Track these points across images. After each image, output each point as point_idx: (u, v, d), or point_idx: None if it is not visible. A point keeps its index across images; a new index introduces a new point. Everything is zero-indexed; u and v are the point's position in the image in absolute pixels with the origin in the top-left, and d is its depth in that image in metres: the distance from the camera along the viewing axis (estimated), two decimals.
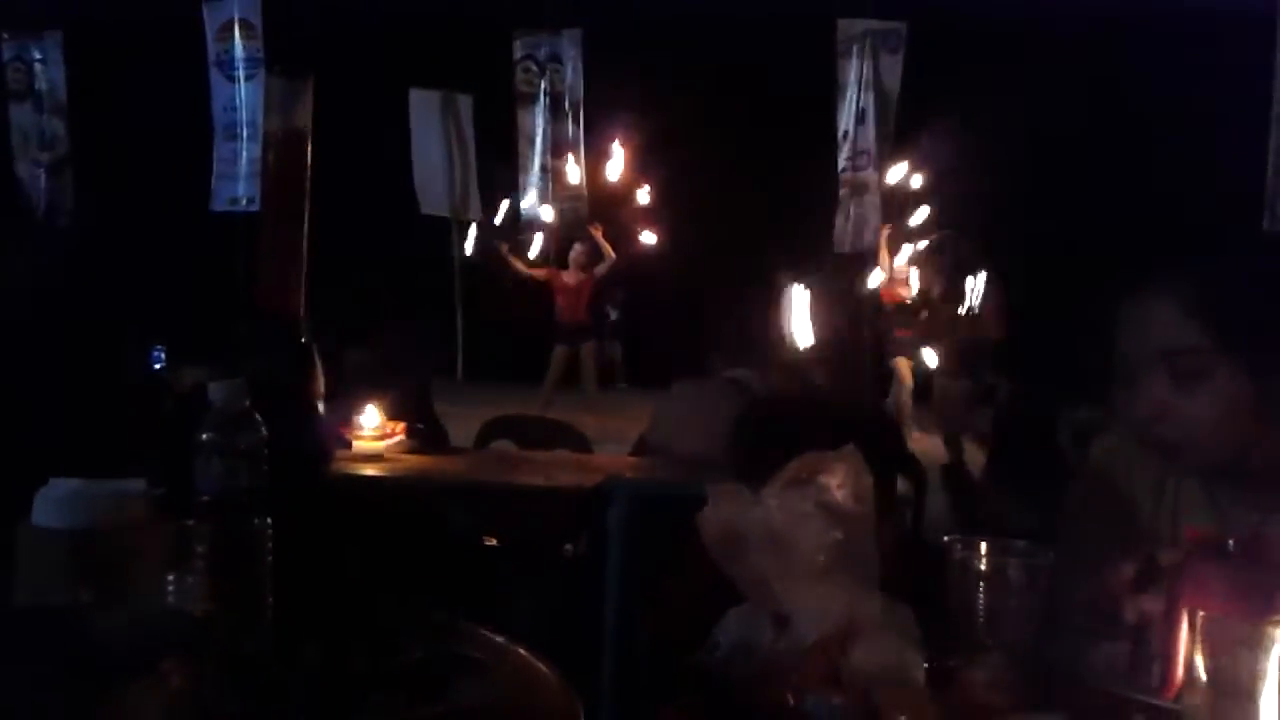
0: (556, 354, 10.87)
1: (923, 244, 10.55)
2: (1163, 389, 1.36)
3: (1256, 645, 0.95)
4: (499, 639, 1.31)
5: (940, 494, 3.83)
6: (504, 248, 10.93)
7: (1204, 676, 0.97)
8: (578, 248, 10.74)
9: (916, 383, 11.41)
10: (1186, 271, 1.39)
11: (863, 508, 1.18)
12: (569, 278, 10.69)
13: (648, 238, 10.95)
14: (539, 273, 10.70)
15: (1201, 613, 0.97)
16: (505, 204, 10.94)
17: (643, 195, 10.74)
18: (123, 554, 1.16)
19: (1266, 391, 1.35)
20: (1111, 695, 1.13)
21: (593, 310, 11.11)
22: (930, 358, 10.53)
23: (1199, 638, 0.97)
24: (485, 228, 11.09)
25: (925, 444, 8.94)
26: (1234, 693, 0.95)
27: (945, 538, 1.26)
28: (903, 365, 11.15)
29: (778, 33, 11.76)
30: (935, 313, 10.13)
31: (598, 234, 10.53)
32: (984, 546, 1.23)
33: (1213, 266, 1.41)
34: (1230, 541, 0.97)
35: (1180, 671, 1.00)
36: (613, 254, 10.63)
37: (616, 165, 10.55)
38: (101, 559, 1.15)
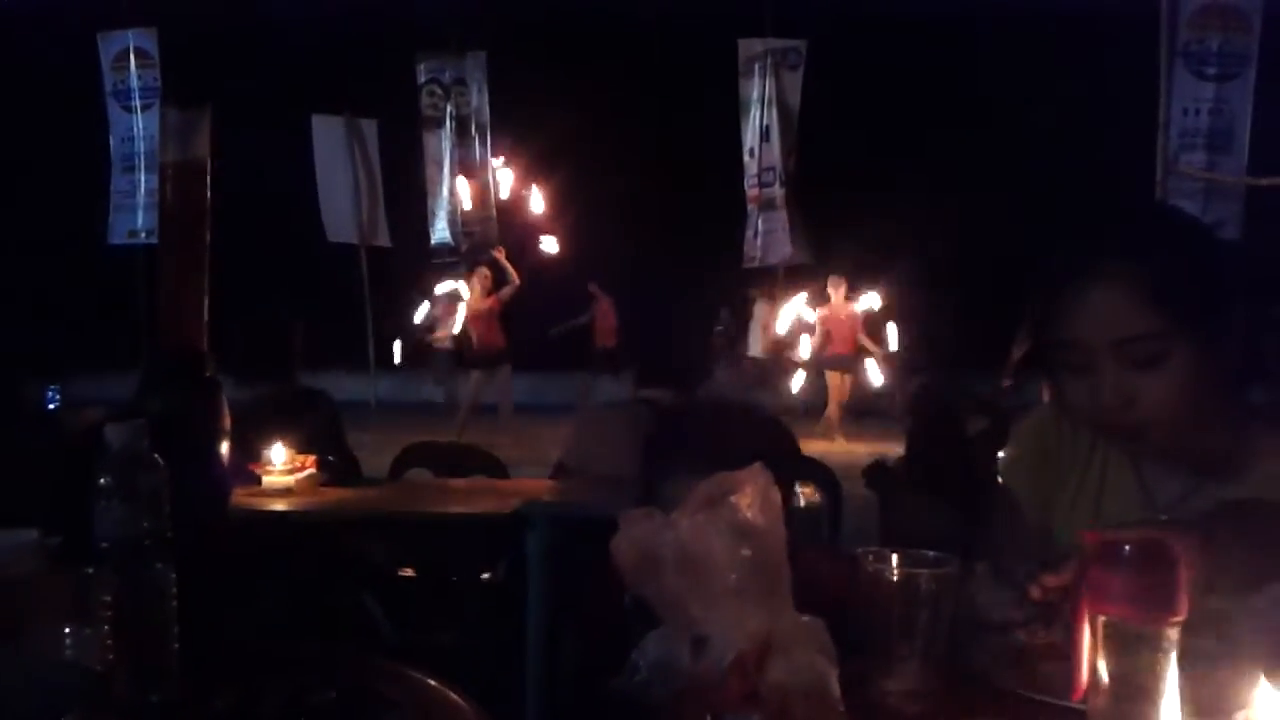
0: (472, 378, 10.76)
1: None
2: (1125, 374, 1.38)
3: (1156, 647, 0.97)
4: (414, 674, 1.29)
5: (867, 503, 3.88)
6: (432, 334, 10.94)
7: (1107, 679, 0.99)
8: (482, 272, 10.59)
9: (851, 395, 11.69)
10: (1138, 256, 1.40)
11: (773, 524, 1.19)
12: (480, 302, 10.57)
13: (548, 246, 10.92)
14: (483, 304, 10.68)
15: (1102, 617, 1.00)
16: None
17: (543, 217, 10.73)
18: (16, 608, 1.12)
19: (1213, 372, 1.38)
20: (1023, 699, 1.16)
21: (505, 333, 10.98)
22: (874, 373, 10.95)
23: (1101, 641, 1.00)
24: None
25: (854, 453, 9.08)
26: (1136, 694, 0.98)
27: (858, 550, 1.27)
28: (835, 379, 11.40)
29: (681, 53, 11.88)
30: None
31: (500, 256, 10.42)
32: (895, 558, 1.24)
33: (1161, 250, 1.41)
34: (1127, 546, 1.00)
35: (1085, 674, 1.02)
36: (516, 278, 10.49)
37: (521, 186, 10.55)
38: None
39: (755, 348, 12.57)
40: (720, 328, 12.83)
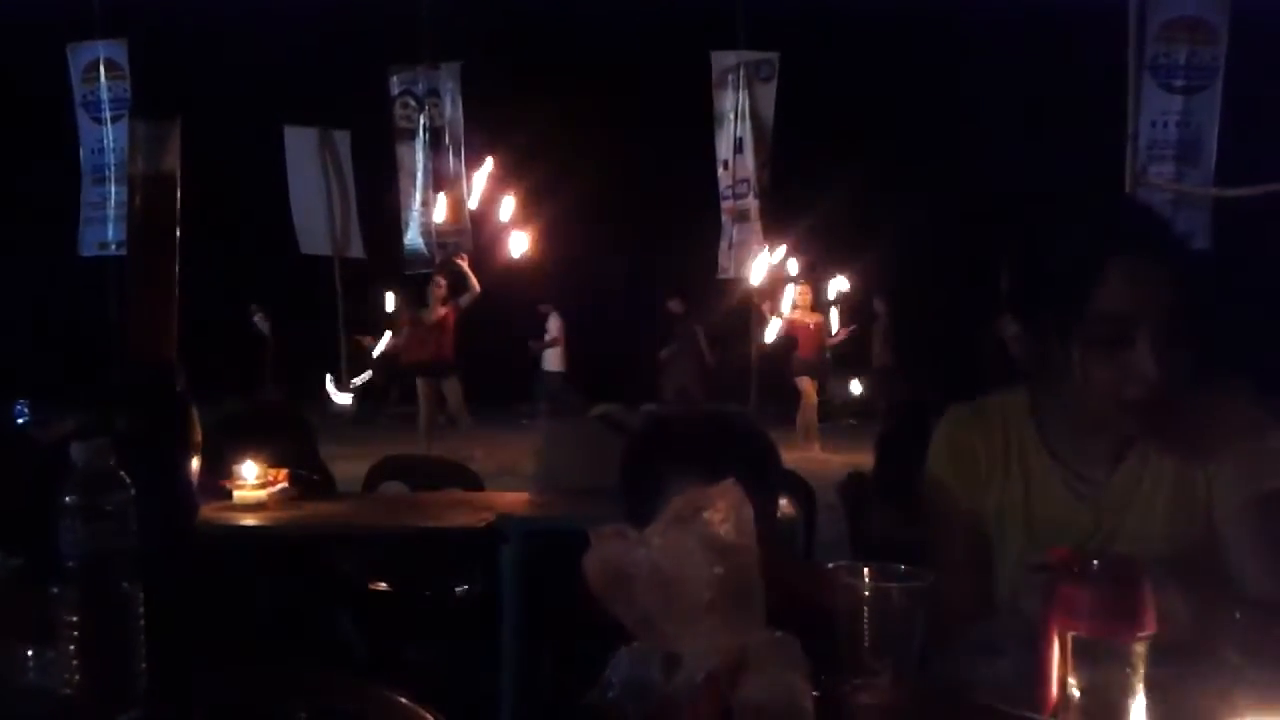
0: (422, 389, 10.47)
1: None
2: (1162, 347, 1.37)
3: (1125, 662, 0.98)
4: (385, 693, 1.28)
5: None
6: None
7: (1077, 694, 1.00)
8: (439, 282, 10.40)
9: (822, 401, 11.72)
10: (1165, 229, 1.42)
11: (745, 541, 1.18)
12: (432, 313, 10.33)
13: (518, 245, 10.84)
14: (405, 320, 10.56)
15: (1071, 632, 1.00)
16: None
17: (513, 226, 10.69)
18: None
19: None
20: (995, 713, 1.16)
21: (457, 343, 10.65)
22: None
23: (1070, 656, 1.00)
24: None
25: (829, 462, 9.09)
26: (1105, 709, 0.98)
27: (830, 564, 1.27)
28: (807, 385, 11.42)
29: (656, 67, 11.91)
30: None
31: (464, 264, 10.25)
32: (867, 572, 1.24)
33: (1173, 228, 1.44)
34: (1095, 562, 1.00)
35: (1055, 690, 1.03)
36: (477, 286, 10.27)
37: (492, 195, 10.50)
38: None
39: (549, 363, 12.38)
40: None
